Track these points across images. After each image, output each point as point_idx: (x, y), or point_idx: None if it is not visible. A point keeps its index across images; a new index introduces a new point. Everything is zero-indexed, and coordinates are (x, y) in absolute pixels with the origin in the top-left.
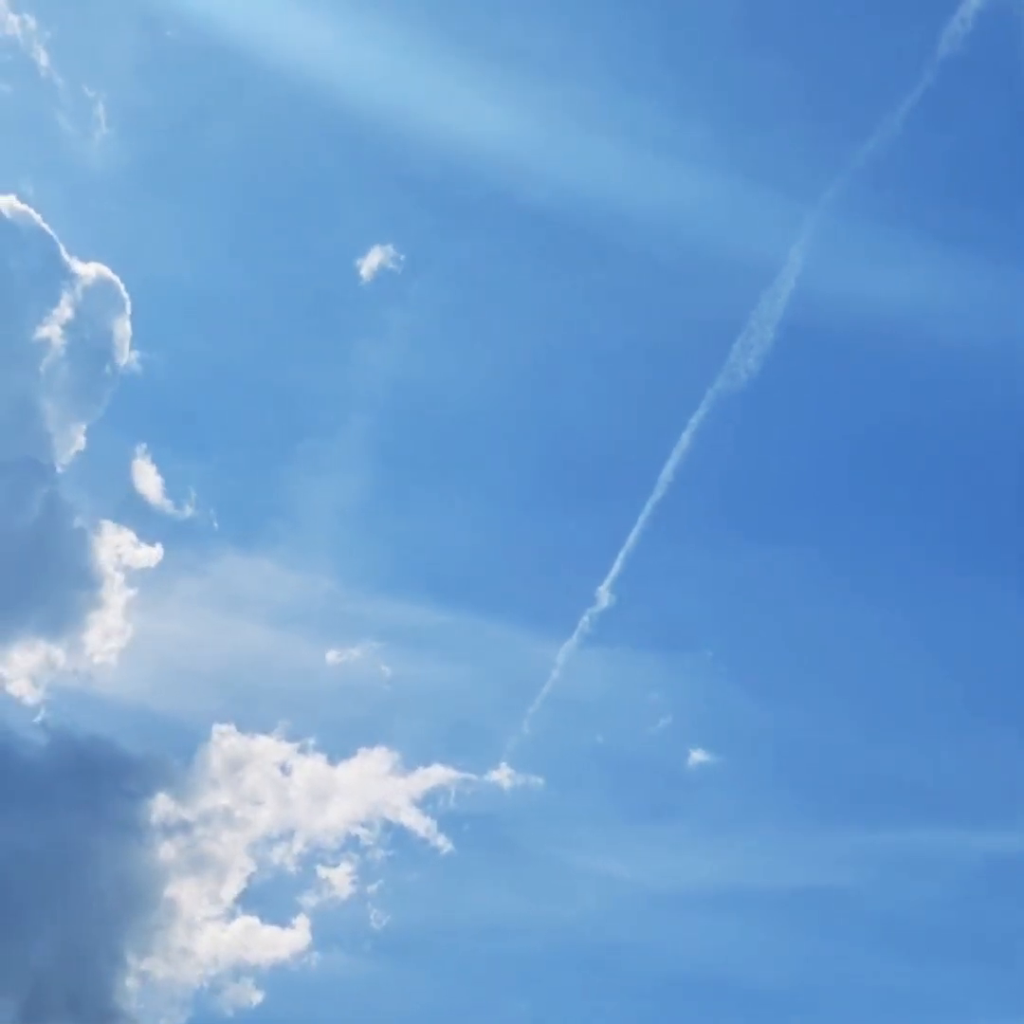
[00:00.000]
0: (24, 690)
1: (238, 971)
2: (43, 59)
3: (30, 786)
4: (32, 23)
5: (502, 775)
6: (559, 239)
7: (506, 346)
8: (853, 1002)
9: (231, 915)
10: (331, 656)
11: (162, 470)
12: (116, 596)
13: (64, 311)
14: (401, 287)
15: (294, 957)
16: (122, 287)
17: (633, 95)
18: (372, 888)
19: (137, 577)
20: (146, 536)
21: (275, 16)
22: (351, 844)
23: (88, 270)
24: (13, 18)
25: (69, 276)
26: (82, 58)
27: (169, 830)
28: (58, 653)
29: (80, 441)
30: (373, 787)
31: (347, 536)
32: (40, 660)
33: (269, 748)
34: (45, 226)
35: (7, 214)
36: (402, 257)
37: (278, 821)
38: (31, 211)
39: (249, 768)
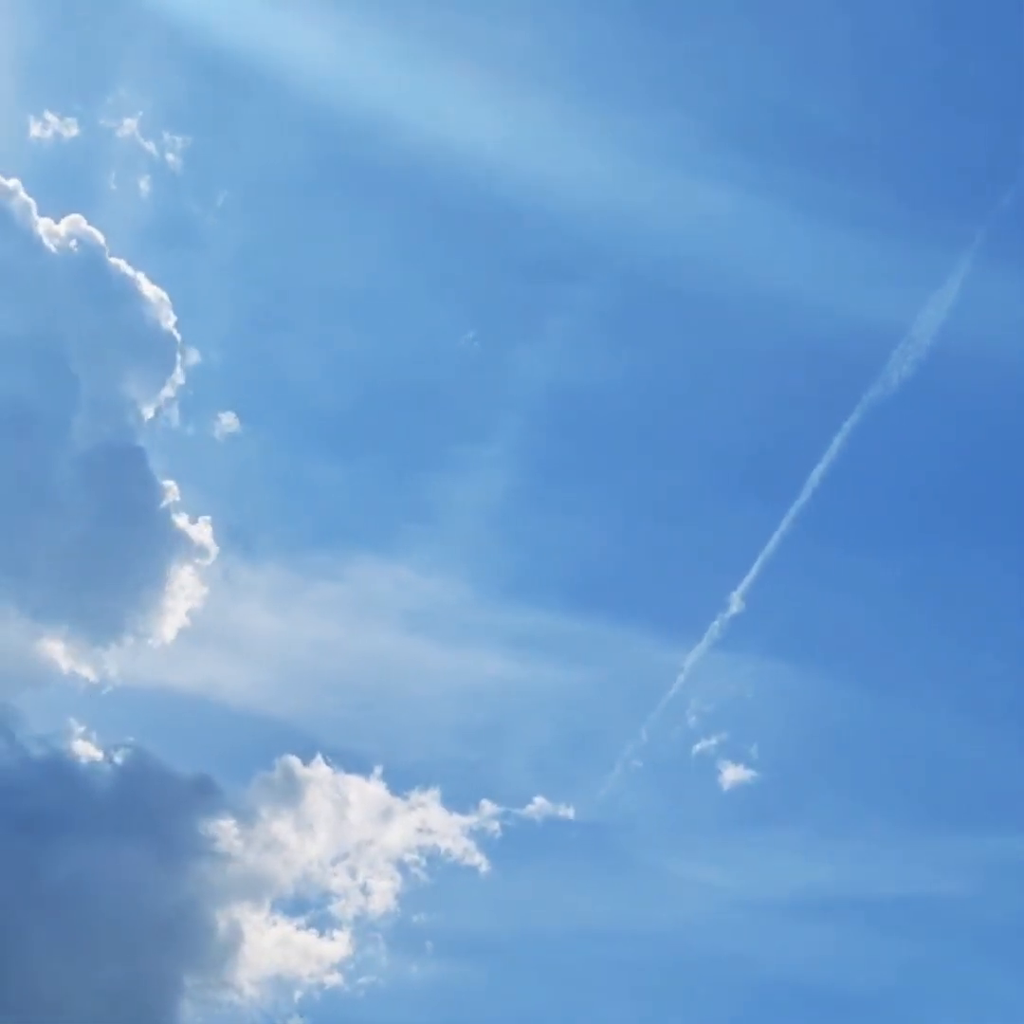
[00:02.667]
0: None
1: (294, 990)
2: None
3: (96, 804)
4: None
5: (611, 780)
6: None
7: (661, 350)
8: (959, 1013)
9: (287, 938)
10: (453, 660)
11: (303, 471)
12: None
13: None
14: (562, 291)
15: (348, 974)
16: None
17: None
18: (463, 888)
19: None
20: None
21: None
22: (438, 845)
23: None
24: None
25: None
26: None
27: (228, 851)
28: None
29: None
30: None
31: (486, 541)
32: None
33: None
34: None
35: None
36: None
37: (347, 834)
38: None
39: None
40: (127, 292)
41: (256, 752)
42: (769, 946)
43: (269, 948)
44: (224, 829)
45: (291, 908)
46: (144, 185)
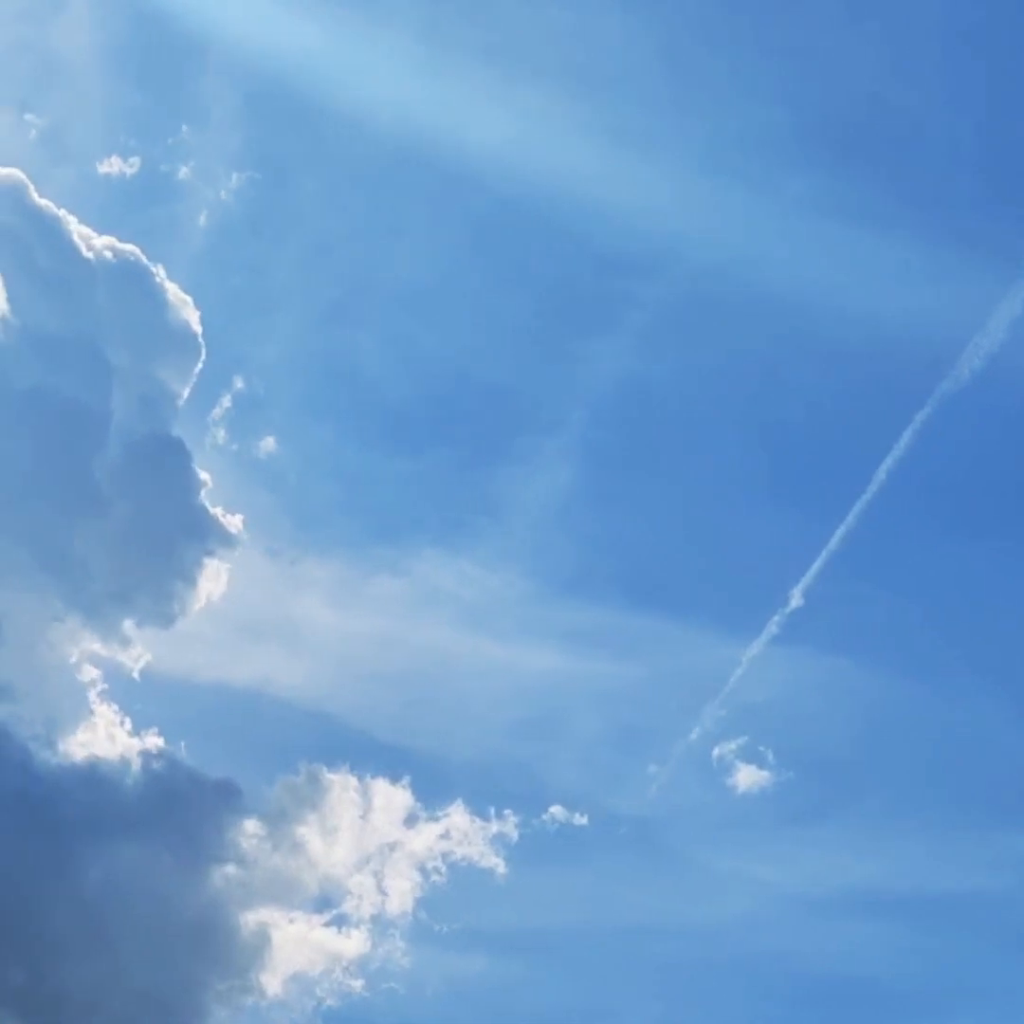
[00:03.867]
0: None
1: (319, 992)
2: None
3: (125, 806)
4: None
5: (662, 776)
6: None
7: (728, 346)
8: (1005, 1010)
9: (312, 940)
10: (508, 656)
11: (370, 465)
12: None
13: None
14: (631, 287)
15: (372, 977)
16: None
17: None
18: (510, 882)
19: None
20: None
21: None
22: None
23: None
24: None
25: None
26: None
27: (254, 854)
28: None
29: None
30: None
31: (548, 535)
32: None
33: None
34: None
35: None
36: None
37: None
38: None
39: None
40: (162, 299)
41: (303, 747)
42: (815, 942)
43: (295, 951)
44: (250, 832)
45: (317, 910)
46: (203, 219)
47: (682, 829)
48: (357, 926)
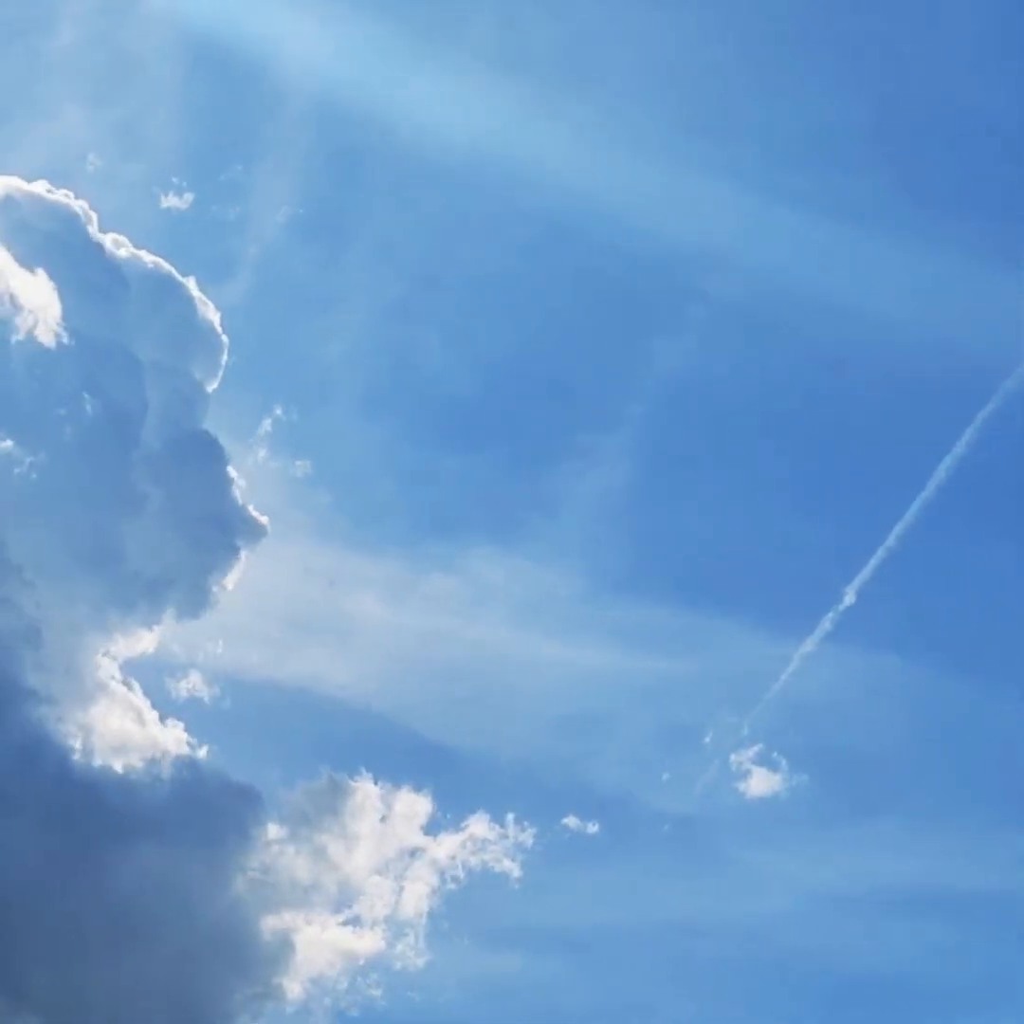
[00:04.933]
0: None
1: (342, 996)
2: None
3: (156, 810)
4: None
5: (708, 773)
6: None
7: (791, 345)
8: None
9: (335, 944)
10: (558, 654)
11: (424, 462)
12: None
13: None
14: (690, 281)
15: (397, 980)
16: None
17: None
18: (540, 879)
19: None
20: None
21: None
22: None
23: None
24: None
25: None
26: None
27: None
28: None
29: None
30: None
31: (604, 532)
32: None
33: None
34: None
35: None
36: None
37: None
38: None
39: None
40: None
41: (346, 745)
42: (851, 941)
43: (316, 954)
44: (275, 837)
45: (336, 913)
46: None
47: (724, 827)
48: (375, 927)
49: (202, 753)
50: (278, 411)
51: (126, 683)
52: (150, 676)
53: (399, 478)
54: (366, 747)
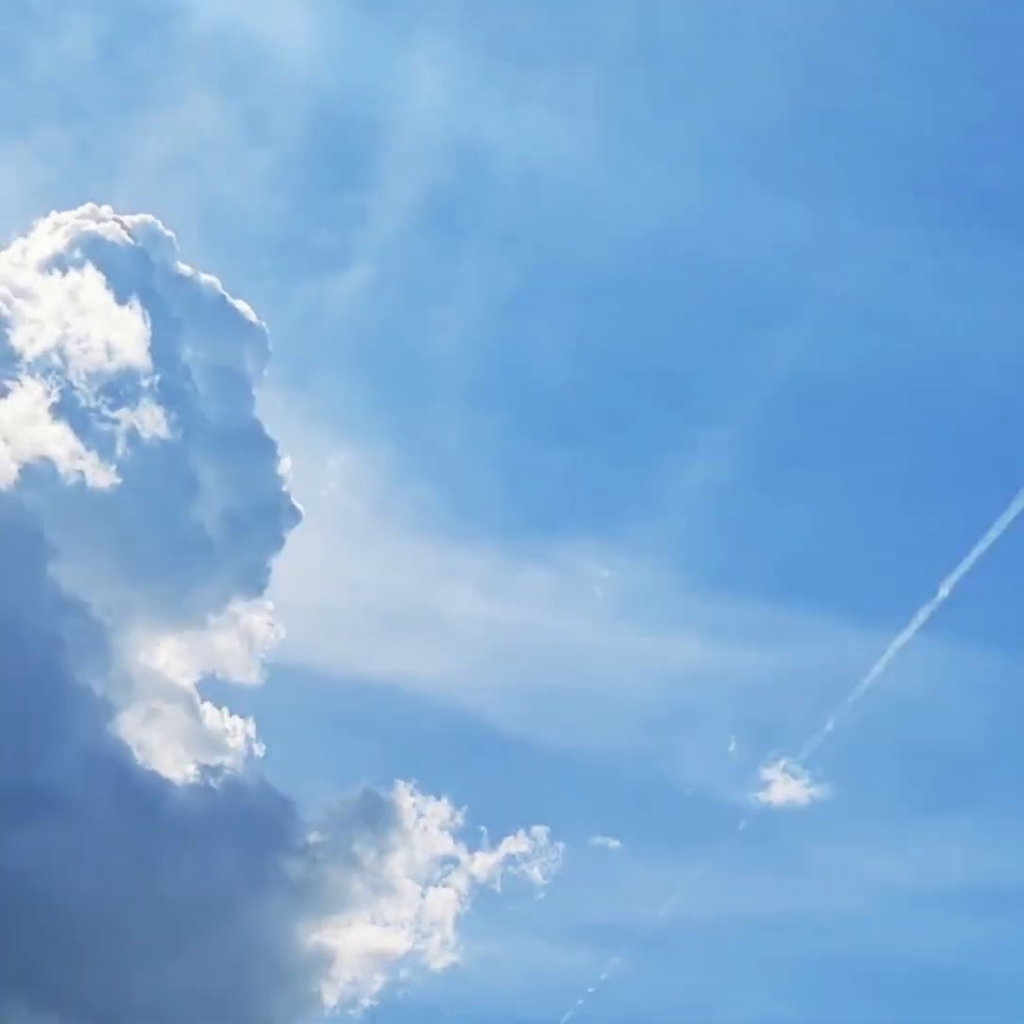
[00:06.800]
0: None
1: (378, 998)
2: None
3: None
4: None
5: (790, 766)
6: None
7: (909, 339)
8: None
9: (372, 947)
10: (647, 648)
11: (529, 454)
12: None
13: None
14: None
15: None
16: None
17: None
18: (622, 874)
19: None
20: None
21: None
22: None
23: None
24: None
25: None
26: None
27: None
28: None
29: None
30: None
31: (703, 526)
32: None
33: None
34: None
35: None
36: None
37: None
38: None
39: None
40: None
41: (430, 740)
42: (932, 937)
43: (354, 960)
44: (320, 845)
45: (373, 921)
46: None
47: (801, 822)
48: (413, 929)
49: (260, 753)
50: (382, 402)
51: (193, 687)
52: (216, 678)
53: (501, 470)
54: (445, 742)
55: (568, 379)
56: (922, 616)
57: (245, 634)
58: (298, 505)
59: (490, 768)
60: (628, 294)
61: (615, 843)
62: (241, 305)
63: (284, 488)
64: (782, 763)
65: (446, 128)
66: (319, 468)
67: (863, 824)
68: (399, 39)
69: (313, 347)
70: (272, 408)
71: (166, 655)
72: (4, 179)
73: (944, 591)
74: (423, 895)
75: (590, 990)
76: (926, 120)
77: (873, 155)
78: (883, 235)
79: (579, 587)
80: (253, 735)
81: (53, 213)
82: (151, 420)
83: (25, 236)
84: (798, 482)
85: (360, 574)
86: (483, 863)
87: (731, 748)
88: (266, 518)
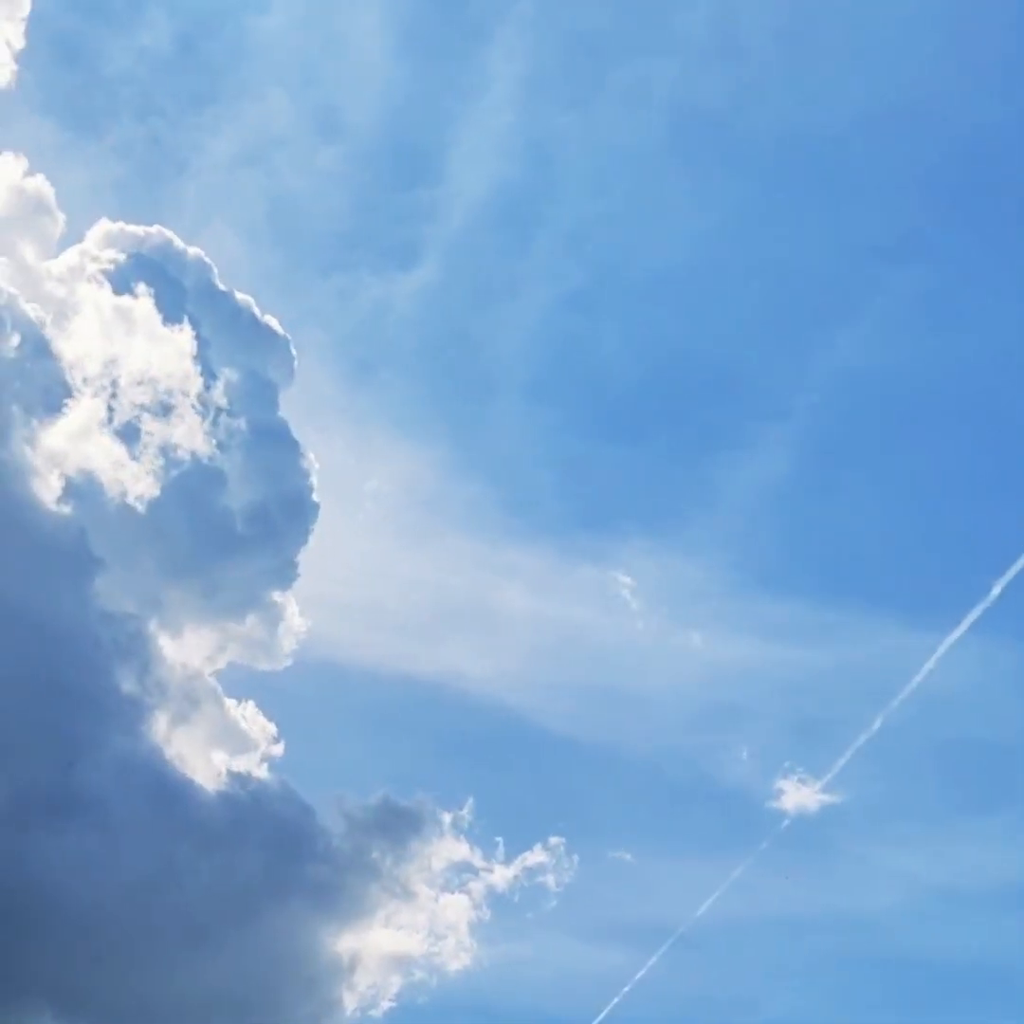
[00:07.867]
0: None
1: (398, 1003)
2: None
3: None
4: None
5: (837, 766)
6: None
7: (972, 339)
8: None
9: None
10: (701, 646)
11: (587, 451)
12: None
13: None
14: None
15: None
16: None
17: None
18: (658, 872)
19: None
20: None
21: None
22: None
23: None
24: None
25: None
26: None
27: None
28: None
29: None
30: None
31: (758, 524)
32: None
33: None
34: None
35: None
36: None
37: None
38: None
39: None
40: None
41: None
42: (971, 936)
43: (375, 965)
44: (334, 854)
45: (387, 924)
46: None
47: (849, 820)
48: (428, 932)
49: (287, 753)
50: (443, 398)
51: (229, 692)
52: (254, 677)
53: (558, 467)
54: (491, 742)
55: (628, 376)
56: (974, 615)
57: (287, 630)
58: (318, 501)
59: (525, 768)
60: (691, 292)
61: (648, 843)
62: (270, 320)
63: (311, 488)
64: (826, 761)
65: (516, 124)
66: (376, 465)
67: (901, 823)
68: (471, 35)
69: (378, 343)
70: (325, 407)
71: (199, 655)
72: (78, 175)
73: (996, 591)
74: (437, 900)
75: (626, 988)
76: (993, 119)
77: (938, 154)
78: (946, 234)
79: (631, 586)
80: (277, 734)
81: (103, 220)
82: (189, 433)
83: (80, 241)
84: (853, 481)
85: (413, 571)
86: (502, 874)
87: (775, 747)
88: (293, 514)
